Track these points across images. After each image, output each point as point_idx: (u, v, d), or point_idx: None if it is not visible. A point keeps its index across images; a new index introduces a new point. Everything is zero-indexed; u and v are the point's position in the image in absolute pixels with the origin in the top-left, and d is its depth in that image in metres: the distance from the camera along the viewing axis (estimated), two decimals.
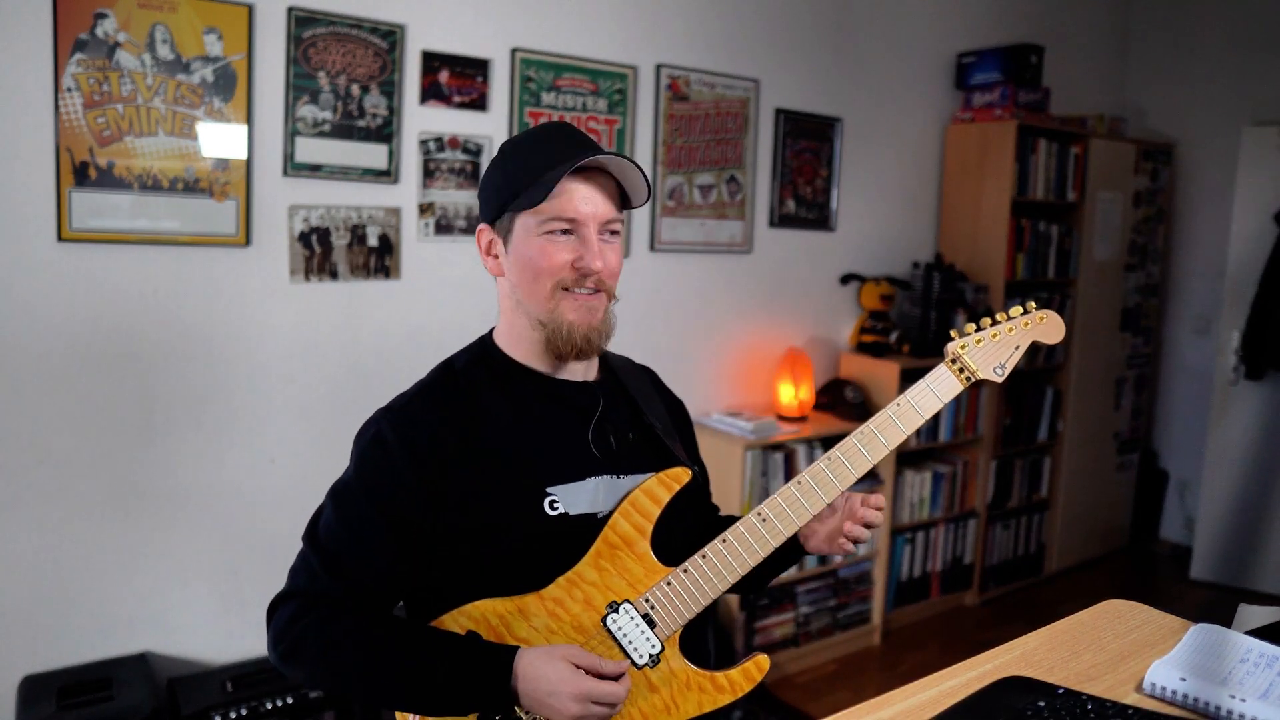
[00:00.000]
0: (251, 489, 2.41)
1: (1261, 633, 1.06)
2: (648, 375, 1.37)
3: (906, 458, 3.59)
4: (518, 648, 1.06)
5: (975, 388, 3.70)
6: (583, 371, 1.23)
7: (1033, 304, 1.24)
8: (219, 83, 2.27)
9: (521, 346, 1.20)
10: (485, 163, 2.70)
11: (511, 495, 1.12)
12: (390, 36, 2.48)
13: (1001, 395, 3.80)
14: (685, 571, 1.13)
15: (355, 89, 2.45)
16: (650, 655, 1.11)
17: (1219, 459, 4.08)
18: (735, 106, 3.20)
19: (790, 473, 3.10)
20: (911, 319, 3.66)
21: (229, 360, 2.35)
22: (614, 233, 1.17)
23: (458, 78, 2.61)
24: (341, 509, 1.12)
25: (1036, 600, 3.97)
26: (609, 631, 1.11)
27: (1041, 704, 0.89)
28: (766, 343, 3.41)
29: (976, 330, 1.21)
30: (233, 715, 2.16)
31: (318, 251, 2.45)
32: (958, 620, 3.74)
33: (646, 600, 1.12)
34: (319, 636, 1.06)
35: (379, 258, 2.55)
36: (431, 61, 2.56)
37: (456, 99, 2.62)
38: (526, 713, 1.08)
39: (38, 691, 2.08)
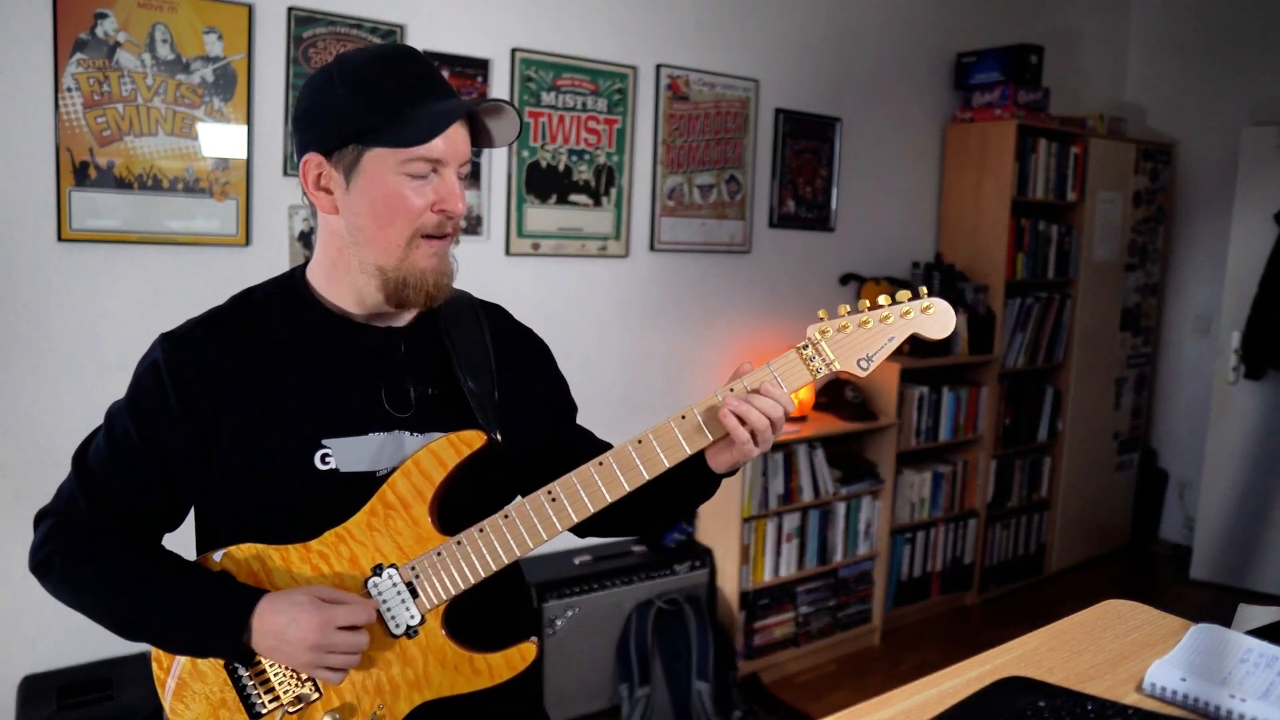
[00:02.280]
0: None
1: (1261, 633, 1.06)
2: (483, 316, 1.22)
3: (906, 458, 3.59)
4: (265, 593, 1.01)
5: (970, 368, 3.71)
6: (395, 316, 1.12)
7: (924, 289, 1.10)
8: (219, 83, 2.27)
9: (338, 288, 1.09)
10: (485, 163, 2.70)
11: (282, 443, 1.04)
12: (390, 36, 2.48)
13: (1001, 395, 3.80)
14: (459, 544, 1.05)
15: None
16: (408, 626, 1.04)
17: (1219, 459, 4.08)
18: (735, 106, 3.20)
19: (790, 474, 3.10)
20: None
21: None
22: (463, 173, 1.08)
23: (458, 78, 2.61)
24: (110, 433, 1.08)
25: (1036, 600, 3.97)
26: (369, 594, 1.04)
27: (1041, 704, 0.89)
28: (766, 343, 3.41)
29: (850, 314, 1.09)
30: None
31: None
32: (958, 620, 3.74)
33: (412, 568, 1.04)
34: (66, 556, 1.04)
35: None
36: (432, 61, 2.56)
37: None
38: (270, 664, 1.04)
39: (38, 691, 2.08)
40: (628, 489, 1.06)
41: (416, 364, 1.12)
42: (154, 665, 1.08)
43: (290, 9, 2.33)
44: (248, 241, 2.35)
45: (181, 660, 1.06)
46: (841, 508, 3.28)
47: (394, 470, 1.06)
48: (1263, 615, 1.13)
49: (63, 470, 2.18)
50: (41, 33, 2.05)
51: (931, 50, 3.82)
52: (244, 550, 1.05)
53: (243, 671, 1.05)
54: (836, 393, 3.39)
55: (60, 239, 2.12)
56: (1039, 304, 3.91)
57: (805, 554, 3.20)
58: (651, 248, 3.07)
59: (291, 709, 1.04)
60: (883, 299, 1.09)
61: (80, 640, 2.22)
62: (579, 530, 1.18)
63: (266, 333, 1.08)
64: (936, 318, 1.08)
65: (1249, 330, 3.91)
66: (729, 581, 3.03)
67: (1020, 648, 1.07)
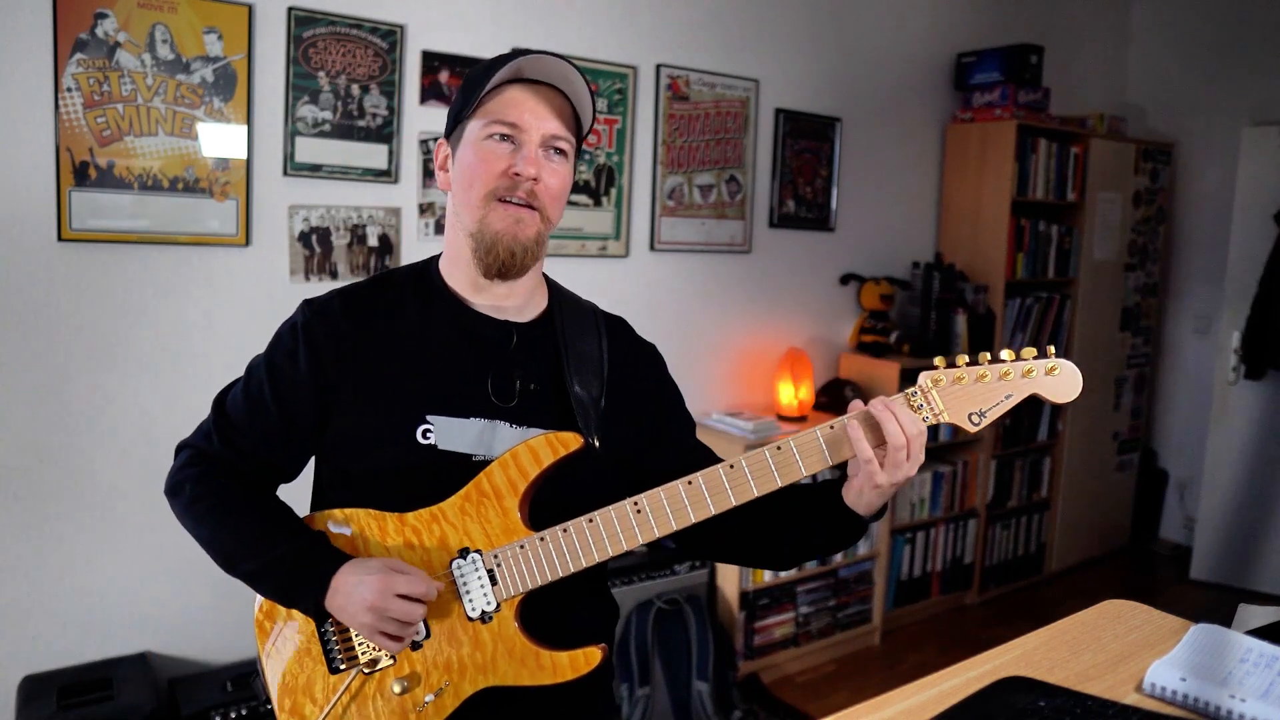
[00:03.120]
0: None
1: (1261, 633, 1.06)
2: (605, 327, 1.25)
3: None
4: (349, 558, 1.07)
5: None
6: (515, 309, 1.18)
7: (1051, 349, 1.06)
8: (219, 83, 2.27)
9: (456, 269, 1.17)
10: None
11: (389, 412, 1.11)
12: (390, 36, 2.48)
13: None
14: (541, 540, 1.08)
15: (355, 89, 2.45)
16: (482, 611, 1.08)
17: (1219, 459, 4.08)
18: (735, 106, 3.20)
19: None
20: (911, 319, 3.66)
21: (229, 360, 2.35)
22: (560, 151, 1.13)
23: (458, 78, 2.61)
24: (247, 384, 1.16)
25: (1036, 600, 3.97)
26: (451, 576, 1.09)
27: (1041, 704, 0.89)
28: (766, 342, 3.41)
29: (967, 365, 1.04)
30: (233, 715, 2.16)
31: (318, 251, 2.45)
32: (958, 620, 3.74)
33: (495, 556, 1.08)
34: (195, 485, 1.13)
35: (379, 258, 2.55)
36: (432, 61, 2.56)
37: None
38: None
39: (38, 691, 2.08)
40: (713, 511, 1.07)
41: (525, 359, 1.17)
42: (256, 610, 1.16)
43: (290, 9, 2.33)
44: (248, 241, 2.35)
45: (281, 610, 1.14)
46: None
47: (489, 457, 1.11)
48: (1263, 615, 1.13)
49: (63, 470, 2.19)
50: (41, 33, 2.05)
51: (931, 50, 3.82)
52: (343, 514, 1.13)
53: (329, 628, 1.11)
54: (837, 393, 3.39)
55: (60, 239, 2.12)
56: (1039, 304, 3.91)
57: None
58: (651, 248, 3.07)
59: (366, 670, 1.10)
60: (1006, 354, 1.05)
61: (80, 640, 2.23)
62: (690, 549, 1.23)
63: (394, 310, 1.16)
64: (1062, 381, 1.04)
65: (1249, 330, 3.91)
66: (729, 581, 3.03)
67: (1020, 648, 1.07)
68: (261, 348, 1.18)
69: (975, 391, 1.05)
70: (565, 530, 1.08)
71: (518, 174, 1.09)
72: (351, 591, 1.04)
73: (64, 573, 2.20)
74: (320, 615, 1.09)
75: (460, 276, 1.17)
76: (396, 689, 1.07)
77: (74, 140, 2.11)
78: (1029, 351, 1.04)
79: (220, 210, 2.30)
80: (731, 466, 1.06)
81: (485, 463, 1.10)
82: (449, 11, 2.59)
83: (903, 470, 1.05)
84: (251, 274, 2.37)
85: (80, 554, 2.22)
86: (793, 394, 3.24)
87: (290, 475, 1.20)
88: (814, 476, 1.11)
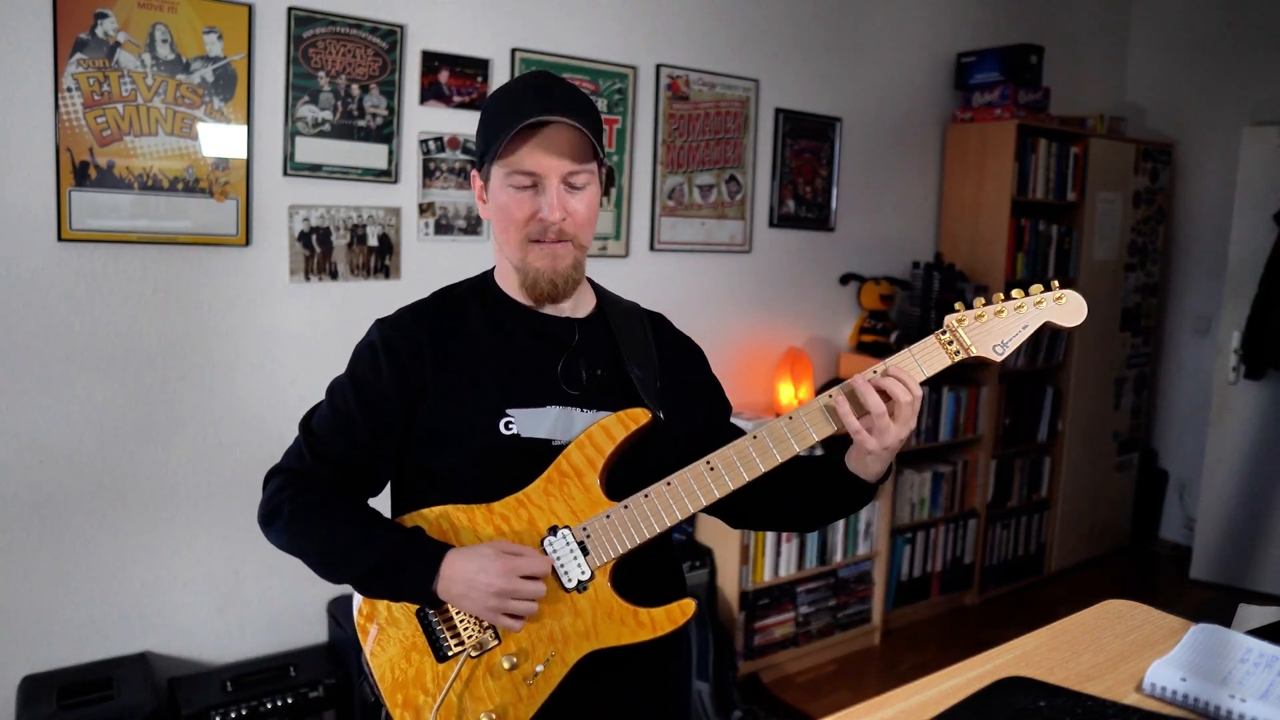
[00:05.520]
0: (252, 488, 2.40)
1: (1261, 633, 1.06)
2: (650, 321, 1.38)
3: (906, 458, 3.59)
4: (451, 546, 1.14)
5: (971, 369, 3.72)
6: (568, 309, 1.28)
7: (1055, 283, 1.18)
8: (219, 83, 2.27)
9: (510, 282, 1.27)
10: None
11: (473, 409, 1.18)
12: (390, 36, 2.48)
13: (1002, 395, 3.80)
14: (625, 508, 1.16)
15: (355, 89, 2.46)
16: (579, 581, 1.15)
17: (1219, 459, 4.08)
18: (735, 106, 3.20)
19: None
20: (911, 319, 3.66)
21: (229, 360, 2.35)
22: (578, 184, 1.19)
23: (458, 78, 2.61)
24: (331, 401, 1.24)
25: (1036, 600, 3.97)
26: (545, 553, 1.16)
27: (1041, 704, 0.89)
28: (766, 342, 3.41)
29: (986, 305, 1.17)
30: (233, 715, 2.16)
31: (318, 251, 2.45)
32: (958, 620, 3.74)
33: (584, 529, 1.16)
34: (292, 504, 1.18)
35: (379, 258, 2.55)
36: (431, 61, 2.56)
37: (456, 99, 2.62)
38: (456, 612, 1.16)
39: (38, 691, 2.08)
40: (779, 459, 1.16)
41: (588, 349, 1.26)
42: (356, 615, 1.22)
43: (290, 9, 2.33)
44: (248, 241, 2.35)
45: (382, 610, 1.19)
46: None
47: (567, 440, 1.18)
48: (1263, 615, 1.13)
49: (64, 473, 2.19)
50: (41, 33, 2.05)
51: (931, 50, 3.82)
52: (433, 511, 1.19)
53: (433, 618, 1.17)
54: None
55: (60, 239, 2.12)
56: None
57: (805, 554, 3.20)
58: (651, 248, 3.07)
59: (474, 653, 1.15)
60: (1015, 292, 1.17)
61: (80, 640, 2.23)
62: (736, 519, 1.34)
63: (462, 319, 1.25)
64: (1068, 307, 1.16)
65: (1249, 330, 3.91)
66: (729, 581, 3.03)
67: (1020, 648, 1.07)
68: (262, 347, 1.21)
69: (995, 326, 1.16)
70: (646, 495, 1.16)
71: (544, 220, 1.17)
72: (472, 578, 1.09)
73: (64, 573, 2.20)
74: (434, 603, 1.14)
75: (516, 288, 1.26)
76: (506, 665, 1.14)
77: (74, 140, 2.11)
78: (1036, 287, 1.17)
79: (220, 210, 2.30)
80: (790, 418, 1.16)
81: (563, 446, 1.18)
82: (449, 11, 2.59)
83: (891, 433, 1.14)
84: (251, 274, 2.37)
85: (80, 554, 2.22)
86: (793, 394, 3.24)
87: (379, 483, 1.27)
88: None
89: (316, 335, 2.47)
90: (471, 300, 1.28)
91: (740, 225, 3.28)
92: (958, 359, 1.16)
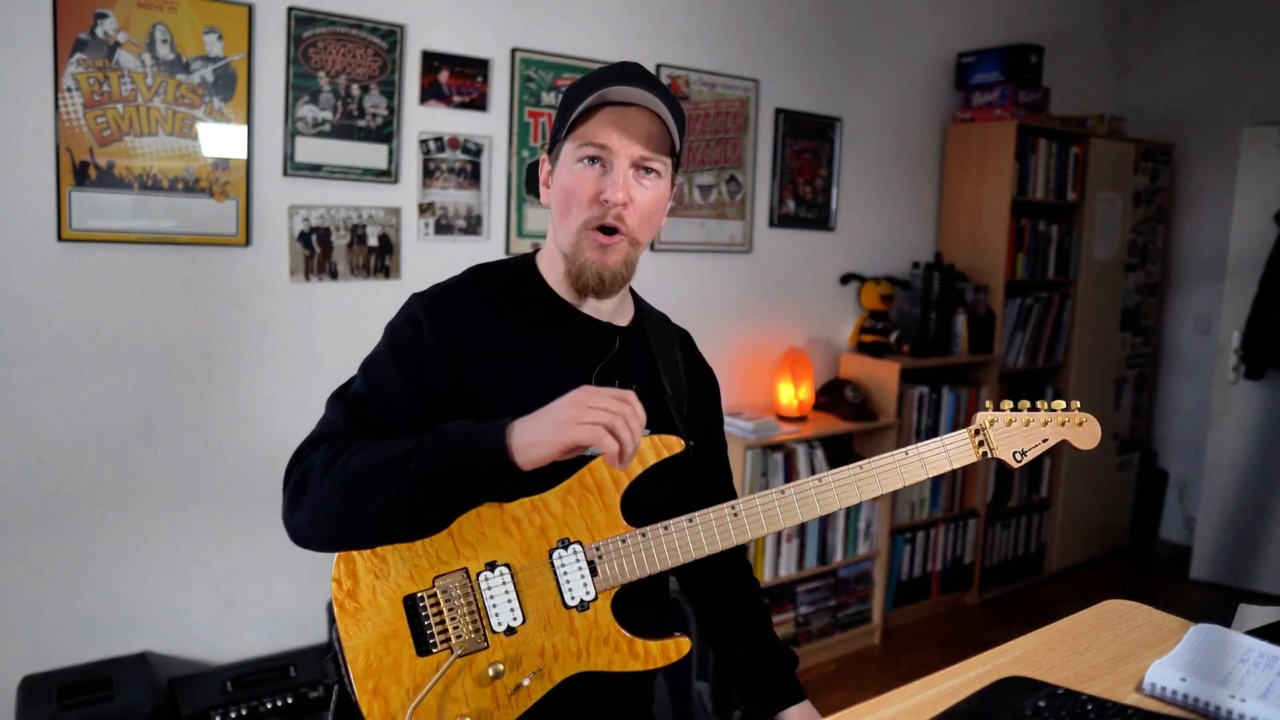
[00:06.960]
0: (251, 489, 2.41)
1: (1261, 633, 1.06)
2: (678, 338, 1.35)
3: None
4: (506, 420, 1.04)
5: (970, 367, 3.73)
6: (609, 313, 1.24)
7: (1076, 404, 1.23)
8: (219, 83, 2.27)
9: (555, 273, 1.22)
10: (485, 163, 2.70)
11: (505, 402, 1.10)
12: (390, 36, 2.48)
13: (1002, 395, 3.80)
14: (643, 535, 1.13)
15: (355, 89, 2.45)
16: (581, 600, 1.12)
17: (1219, 459, 4.08)
18: (735, 106, 3.20)
19: (790, 474, 3.10)
20: (911, 319, 3.66)
21: (229, 360, 2.35)
22: (651, 171, 1.16)
23: (458, 78, 2.61)
24: (369, 371, 1.15)
25: (1036, 600, 3.97)
26: (551, 564, 1.11)
27: (1041, 704, 0.89)
28: (766, 342, 3.41)
29: (1013, 409, 1.20)
30: (233, 715, 2.16)
31: (318, 251, 2.45)
32: (958, 620, 3.74)
33: (597, 549, 1.12)
34: (323, 454, 1.06)
35: (379, 258, 2.55)
36: (431, 61, 2.56)
37: (456, 99, 2.62)
38: (448, 609, 1.09)
39: (38, 691, 2.08)
40: (800, 519, 1.16)
41: (626, 360, 1.23)
42: (334, 588, 1.11)
43: (290, 9, 2.33)
44: (248, 241, 2.35)
45: (364, 589, 1.10)
46: None
47: (595, 451, 1.10)
48: (1263, 615, 1.13)
49: (64, 472, 2.18)
50: (41, 33, 2.05)
51: (931, 50, 3.82)
52: None
53: (426, 608, 1.10)
54: (837, 393, 3.39)
55: (60, 239, 2.12)
56: (1039, 304, 3.91)
57: (805, 554, 3.20)
58: (651, 247, 3.07)
59: (461, 652, 1.11)
60: (1040, 403, 1.23)
61: (80, 640, 2.23)
62: (689, 588, 1.41)
63: (500, 302, 1.20)
64: (1086, 432, 1.22)
65: (1249, 330, 3.91)
66: None
67: (1020, 648, 1.07)
68: (262, 347, 1.19)
69: (1020, 434, 1.21)
70: (666, 528, 1.14)
71: (606, 200, 1.13)
72: (539, 414, 1.01)
73: (64, 573, 2.20)
74: (507, 471, 1.02)
75: (560, 280, 1.22)
76: (490, 673, 1.10)
77: (74, 140, 2.11)
78: (1059, 404, 1.23)
79: (220, 210, 2.30)
80: (820, 480, 1.16)
81: (592, 456, 1.13)
82: (449, 11, 2.59)
83: None
84: (251, 274, 2.37)
85: (80, 553, 2.22)
86: (793, 394, 3.24)
87: None
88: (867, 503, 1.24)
89: (316, 335, 2.47)
90: (509, 284, 1.23)
91: (740, 225, 3.28)
92: (982, 458, 1.20)
